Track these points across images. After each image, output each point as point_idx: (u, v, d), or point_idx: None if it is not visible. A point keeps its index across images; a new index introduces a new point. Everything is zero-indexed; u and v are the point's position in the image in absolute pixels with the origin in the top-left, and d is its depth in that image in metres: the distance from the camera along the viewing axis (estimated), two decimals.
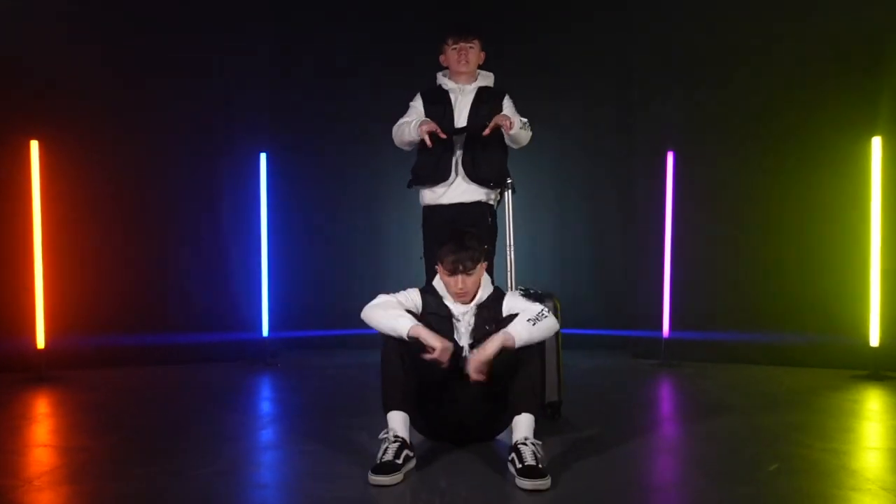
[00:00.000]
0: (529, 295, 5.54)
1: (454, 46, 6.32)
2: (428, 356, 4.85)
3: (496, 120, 6.03)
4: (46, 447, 5.49)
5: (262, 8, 9.22)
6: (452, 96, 6.34)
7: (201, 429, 5.85)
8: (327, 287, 9.53)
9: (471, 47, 6.31)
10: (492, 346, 4.83)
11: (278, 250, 8.95)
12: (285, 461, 5.14)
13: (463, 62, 6.30)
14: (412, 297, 5.24)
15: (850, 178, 7.91)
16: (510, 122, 6.02)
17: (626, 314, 9.15)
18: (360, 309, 5.13)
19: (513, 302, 5.21)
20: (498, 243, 6.43)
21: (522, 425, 4.78)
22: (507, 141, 6.23)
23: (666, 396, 7.41)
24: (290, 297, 9.08)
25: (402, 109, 6.45)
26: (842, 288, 8.01)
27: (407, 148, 6.40)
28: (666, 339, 8.48)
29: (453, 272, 5.11)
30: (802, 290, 8.19)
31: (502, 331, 4.92)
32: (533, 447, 4.62)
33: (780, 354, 8.23)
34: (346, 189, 9.69)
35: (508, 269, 6.43)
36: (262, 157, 8.73)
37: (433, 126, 6.03)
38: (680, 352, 8.43)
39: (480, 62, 6.44)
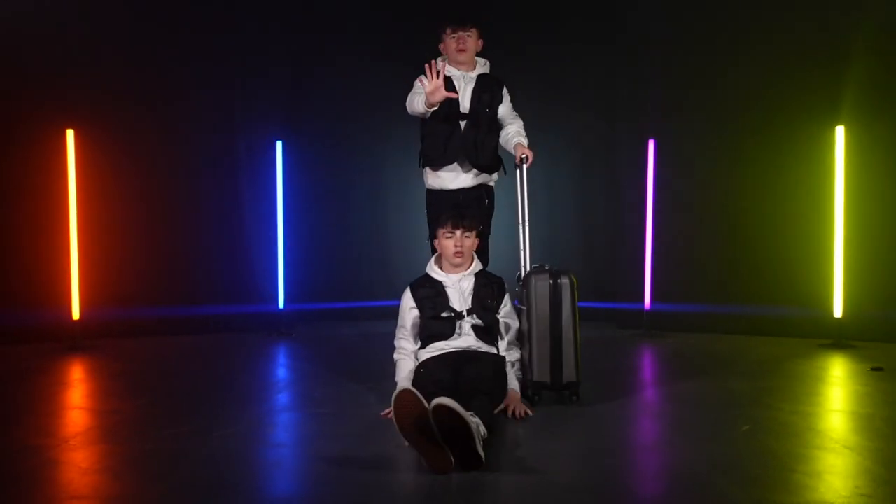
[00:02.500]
0: (545, 271, 5.49)
1: (453, 35, 6.13)
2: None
3: (523, 154, 5.91)
4: (81, 409, 5.50)
5: (284, 1, 9.23)
6: (456, 83, 6.12)
7: (222, 393, 5.87)
8: (339, 263, 9.53)
9: (468, 35, 6.12)
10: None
11: (294, 230, 8.94)
12: (299, 423, 5.12)
13: (461, 50, 6.12)
14: (406, 310, 5.41)
15: (817, 162, 7.90)
16: (529, 158, 5.93)
17: (610, 288, 9.15)
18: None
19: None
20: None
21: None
22: (503, 143, 6.15)
23: (647, 364, 7.39)
24: (304, 273, 9.08)
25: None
26: (809, 263, 8.01)
27: (421, 116, 6.21)
28: (647, 310, 8.49)
29: (454, 228, 5.27)
30: (773, 266, 8.21)
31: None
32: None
33: (752, 325, 8.24)
34: (356, 174, 9.69)
35: (522, 245, 5.95)
36: (279, 144, 8.74)
37: (440, 93, 5.86)
38: (660, 323, 8.43)
39: (479, 49, 6.26)
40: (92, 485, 3.84)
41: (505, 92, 6.25)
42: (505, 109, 6.20)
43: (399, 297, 5.46)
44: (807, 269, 8.03)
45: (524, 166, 5.94)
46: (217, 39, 8.77)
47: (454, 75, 6.15)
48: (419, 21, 8.84)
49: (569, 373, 5.37)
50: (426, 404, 4.01)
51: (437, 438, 3.96)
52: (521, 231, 5.96)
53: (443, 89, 5.82)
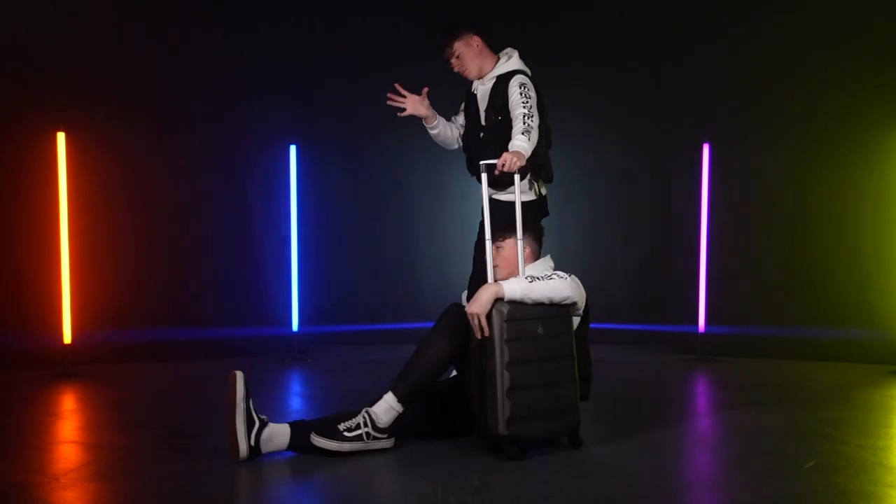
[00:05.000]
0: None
1: (449, 63, 6.26)
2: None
3: (500, 163, 5.52)
4: (73, 444, 5.52)
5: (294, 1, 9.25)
6: (477, 95, 6.25)
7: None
8: (358, 281, 9.55)
9: (456, 56, 6.21)
10: (485, 295, 4.92)
11: (308, 244, 8.95)
12: (313, 457, 5.11)
13: (463, 71, 6.25)
14: None
15: (892, 171, 7.87)
16: (506, 164, 5.50)
17: (661, 308, 9.14)
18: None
19: (534, 269, 5.38)
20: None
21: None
22: None
23: (702, 392, 7.39)
24: (320, 292, 9.09)
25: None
26: (881, 282, 8.00)
27: (448, 145, 6.49)
28: (702, 333, 8.47)
29: (493, 242, 5.34)
30: (841, 285, 8.18)
31: (497, 282, 5.03)
32: (363, 416, 5.01)
33: (817, 349, 8.22)
34: (377, 181, 9.67)
35: (490, 269, 5.32)
36: (292, 149, 8.74)
37: (418, 106, 6.27)
38: (716, 347, 8.42)
39: (476, 49, 6.23)
40: None
41: (511, 84, 6.05)
42: (509, 105, 6.04)
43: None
44: (879, 289, 8.01)
45: (484, 175, 5.40)
46: (223, 36, 8.82)
47: (475, 87, 6.29)
48: (441, 17, 8.90)
49: (495, 423, 4.82)
50: (239, 392, 5.03)
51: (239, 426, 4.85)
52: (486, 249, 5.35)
53: (416, 101, 6.25)
